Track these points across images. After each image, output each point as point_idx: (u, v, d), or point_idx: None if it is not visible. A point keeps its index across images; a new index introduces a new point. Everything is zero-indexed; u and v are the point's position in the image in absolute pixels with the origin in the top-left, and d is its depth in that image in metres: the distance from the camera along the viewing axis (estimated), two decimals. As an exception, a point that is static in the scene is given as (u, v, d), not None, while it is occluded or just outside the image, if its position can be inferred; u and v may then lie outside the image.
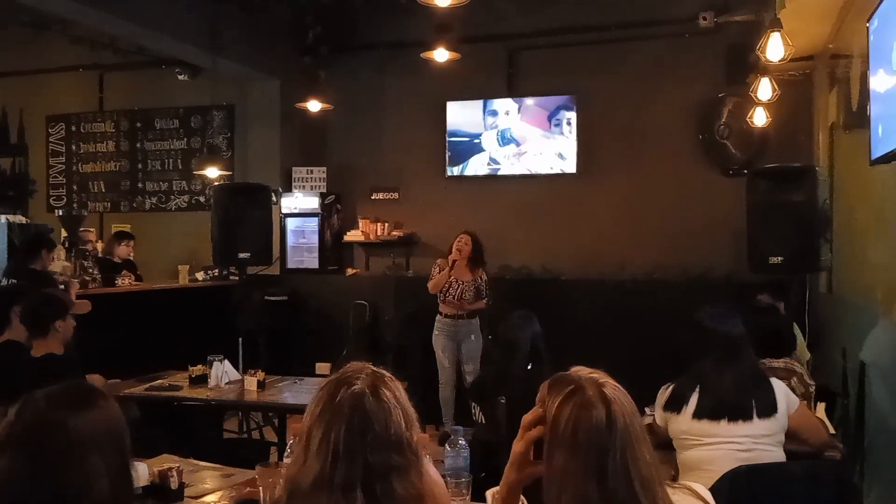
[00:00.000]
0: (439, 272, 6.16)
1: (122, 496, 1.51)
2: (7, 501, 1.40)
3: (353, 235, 8.03)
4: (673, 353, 3.15)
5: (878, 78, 3.30)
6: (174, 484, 2.45)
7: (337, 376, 1.52)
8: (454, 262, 6.07)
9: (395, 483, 1.42)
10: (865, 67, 3.65)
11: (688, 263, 6.73)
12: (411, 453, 1.47)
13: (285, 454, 2.40)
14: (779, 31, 4.22)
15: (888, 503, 3.72)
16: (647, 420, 2.90)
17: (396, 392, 1.51)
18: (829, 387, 4.24)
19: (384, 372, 1.54)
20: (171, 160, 8.95)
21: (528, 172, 7.57)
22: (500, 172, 7.66)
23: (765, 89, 5.31)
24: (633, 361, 4.32)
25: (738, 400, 2.80)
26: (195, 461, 2.92)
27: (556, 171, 7.48)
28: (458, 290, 6.12)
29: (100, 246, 7.20)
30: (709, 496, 1.67)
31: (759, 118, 6.00)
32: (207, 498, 2.56)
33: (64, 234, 6.98)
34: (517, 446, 1.57)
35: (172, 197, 8.94)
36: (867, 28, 3.40)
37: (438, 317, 6.24)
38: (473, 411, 4.23)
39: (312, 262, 7.89)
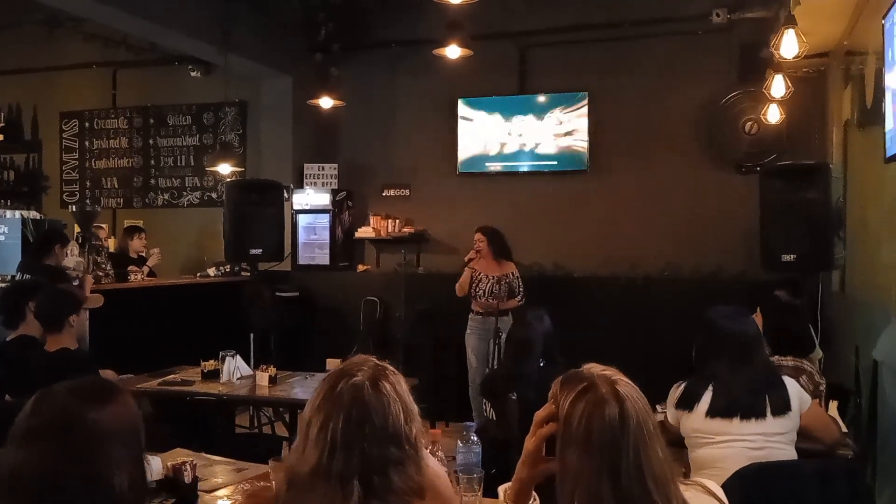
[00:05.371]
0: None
1: (138, 489, 1.53)
2: (32, 493, 1.42)
3: (364, 232, 8.03)
4: (685, 351, 3.15)
5: (894, 75, 3.28)
6: (188, 478, 2.46)
7: (339, 368, 1.53)
8: (469, 260, 6.02)
9: (393, 476, 1.43)
10: (880, 64, 3.64)
11: (700, 261, 6.70)
12: (410, 447, 1.47)
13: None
14: (793, 27, 4.19)
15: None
16: (659, 418, 2.90)
17: (397, 385, 1.51)
18: (841, 385, 4.23)
19: (386, 365, 1.54)
20: (183, 156, 8.98)
21: (540, 169, 7.56)
22: (511, 169, 7.65)
23: (778, 86, 5.28)
24: (644, 359, 4.33)
25: (752, 398, 2.79)
26: (208, 455, 2.93)
27: (568, 168, 7.46)
28: (488, 284, 6.03)
29: (111, 243, 7.22)
30: (721, 493, 1.67)
31: (773, 115, 5.97)
32: (220, 492, 2.58)
33: (77, 229, 7.01)
34: (529, 443, 1.57)
35: (185, 193, 8.97)
36: (882, 25, 3.39)
37: (471, 315, 6.12)
38: (484, 408, 4.24)
39: (323, 258, 7.90)
